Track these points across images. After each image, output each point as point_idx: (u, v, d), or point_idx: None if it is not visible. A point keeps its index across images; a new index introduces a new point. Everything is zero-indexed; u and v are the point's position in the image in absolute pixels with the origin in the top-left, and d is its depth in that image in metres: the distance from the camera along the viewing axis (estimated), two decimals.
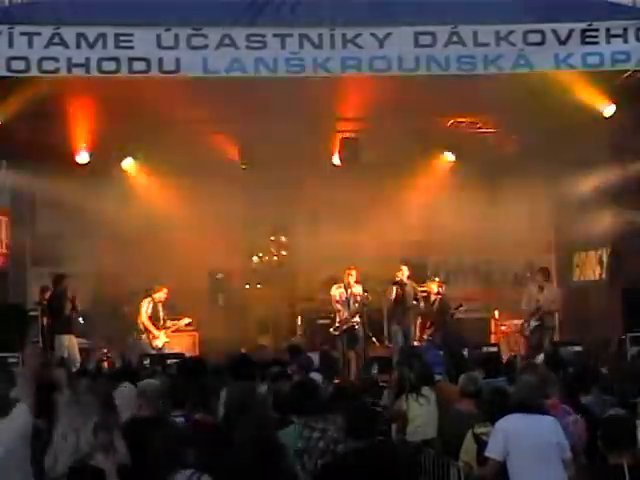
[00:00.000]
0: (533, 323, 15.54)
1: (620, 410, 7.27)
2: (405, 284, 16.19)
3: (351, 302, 15.91)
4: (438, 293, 16.47)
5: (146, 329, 16.09)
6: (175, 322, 16.51)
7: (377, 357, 15.66)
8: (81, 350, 15.34)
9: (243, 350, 15.82)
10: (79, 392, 6.59)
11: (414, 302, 16.21)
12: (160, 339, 16.04)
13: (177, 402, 7.60)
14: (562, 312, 17.42)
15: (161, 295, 16.23)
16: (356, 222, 18.21)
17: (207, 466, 5.71)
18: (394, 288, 16.11)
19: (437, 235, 18.60)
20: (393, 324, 16.43)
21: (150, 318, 16.11)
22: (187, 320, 16.75)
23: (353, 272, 16.02)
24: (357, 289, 15.98)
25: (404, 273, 16.21)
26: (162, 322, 16.21)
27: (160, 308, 16.23)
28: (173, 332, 16.40)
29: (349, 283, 16.01)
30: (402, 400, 9.54)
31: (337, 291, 16.13)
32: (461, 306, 16.52)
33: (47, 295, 15.67)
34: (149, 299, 16.21)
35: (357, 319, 15.90)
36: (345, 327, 15.88)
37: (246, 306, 18.97)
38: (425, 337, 16.20)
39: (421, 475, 8.56)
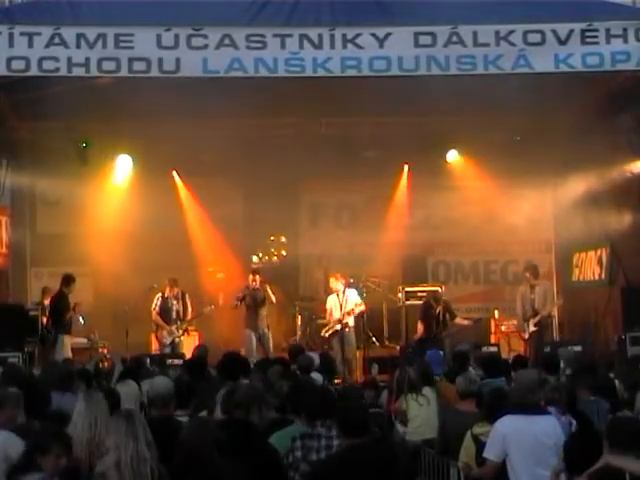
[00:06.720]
0: (532, 328, 15.41)
1: (627, 412, 7.29)
2: (257, 289, 16.06)
3: (344, 305, 15.81)
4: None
5: (157, 326, 16.06)
6: (189, 312, 16.26)
7: (377, 357, 15.64)
8: (81, 350, 15.35)
9: (243, 350, 15.82)
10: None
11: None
12: (170, 335, 15.94)
13: (181, 402, 7.59)
14: (562, 312, 17.45)
15: (167, 290, 16.11)
16: (356, 222, 18.22)
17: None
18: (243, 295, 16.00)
19: (437, 235, 18.58)
20: (247, 329, 16.17)
21: (159, 314, 16.04)
22: (210, 307, 16.58)
23: (338, 277, 15.94)
24: (350, 293, 15.93)
25: (256, 280, 16.09)
26: (176, 315, 16.06)
27: (173, 302, 16.09)
28: (190, 322, 16.27)
29: (338, 290, 15.92)
30: (402, 400, 9.56)
31: (331, 298, 16.02)
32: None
33: (48, 297, 15.62)
34: (159, 295, 16.16)
35: (350, 321, 15.79)
36: (337, 328, 15.77)
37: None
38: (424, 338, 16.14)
39: (421, 475, 8.56)
